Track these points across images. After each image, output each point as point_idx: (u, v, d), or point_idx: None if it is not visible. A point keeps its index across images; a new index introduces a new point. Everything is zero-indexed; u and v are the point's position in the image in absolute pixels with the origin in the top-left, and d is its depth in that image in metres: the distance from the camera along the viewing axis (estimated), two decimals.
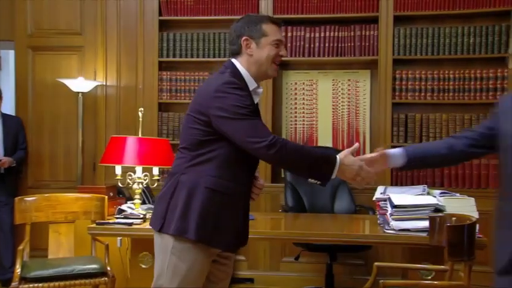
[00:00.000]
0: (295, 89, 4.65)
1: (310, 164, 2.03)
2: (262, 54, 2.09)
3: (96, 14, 4.72)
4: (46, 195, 3.49)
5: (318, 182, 2.06)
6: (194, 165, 2.07)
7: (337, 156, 2.06)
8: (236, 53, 2.13)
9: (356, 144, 2.18)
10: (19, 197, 3.44)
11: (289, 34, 4.48)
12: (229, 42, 2.17)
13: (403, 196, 2.86)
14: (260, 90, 2.16)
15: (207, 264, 2.09)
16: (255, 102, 2.13)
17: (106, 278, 3.18)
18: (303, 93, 4.64)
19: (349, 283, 4.29)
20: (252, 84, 2.11)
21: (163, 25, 4.67)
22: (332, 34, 4.45)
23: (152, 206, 3.29)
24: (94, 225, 3.10)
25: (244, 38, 2.10)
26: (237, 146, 2.02)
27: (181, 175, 2.07)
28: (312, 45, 4.47)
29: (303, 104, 4.63)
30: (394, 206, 2.73)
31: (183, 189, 2.05)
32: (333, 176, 2.06)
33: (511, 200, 1.91)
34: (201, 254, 2.05)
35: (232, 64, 2.12)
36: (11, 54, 5.84)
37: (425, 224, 2.61)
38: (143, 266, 3.08)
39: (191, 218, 2.02)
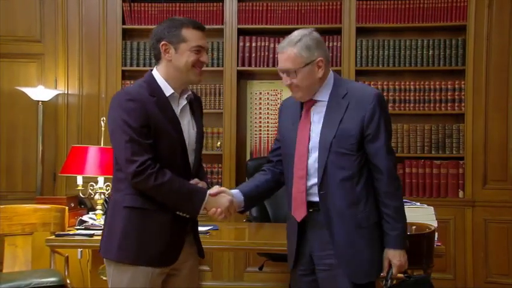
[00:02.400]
0: (260, 98, 4.67)
1: (180, 198, 1.99)
2: (180, 61, 2.02)
3: (56, 21, 4.61)
4: (2, 206, 3.39)
5: (187, 215, 2.03)
6: (116, 183, 2.05)
7: (207, 191, 2.06)
8: (157, 58, 2.07)
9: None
10: None
11: (254, 44, 4.50)
12: (149, 46, 2.14)
13: None
14: (185, 95, 2.09)
15: (150, 283, 2.00)
16: (177, 110, 2.06)
17: None
18: (268, 103, 4.66)
19: None
20: (168, 91, 2.04)
21: (127, 33, 4.63)
22: None
23: None
24: (53, 236, 3.03)
25: (162, 42, 2.02)
26: None
27: (112, 196, 2.08)
28: (276, 55, 4.49)
29: (268, 113, 4.65)
30: None
31: (109, 211, 2.07)
32: (201, 210, 2.03)
33: None
34: (139, 273, 1.99)
35: (150, 71, 2.10)
36: None
37: None
38: (104, 278, 2.98)
39: (114, 239, 1.99)
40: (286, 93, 4.60)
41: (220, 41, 4.53)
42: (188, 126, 2.10)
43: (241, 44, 4.51)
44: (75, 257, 3.62)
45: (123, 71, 4.58)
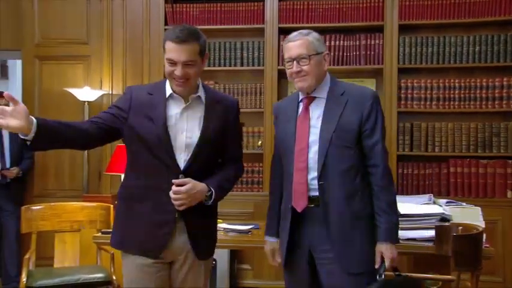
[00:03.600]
0: None
1: None
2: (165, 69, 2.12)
3: (102, 23, 4.76)
4: (52, 204, 3.50)
5: None
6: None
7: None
8: None
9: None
10: (25, 206, 3.45)
11: None
12: None
13: (408, 205, 2.85)
14: (190, 96, 2.15)
15: (140, 272, 2.13)
16: (174, 112, 2.13)
17: (111, 287, 3.18)
18: None
19: None
20: (168, 91, 2.15)
21: None
22: (337, 43, 4.46)
23: None
24: (99, 234, 3.10)
25: None
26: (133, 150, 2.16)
27: None
28: None
29: None
30: (399, 215, 2.71)
31: None
32: None
33: None
34: (128, 261, 2.16)
35: None
36: (18, 63, 5.89)
37: (431, 233, 2.60)
38: None
39: (113, 228, 2.25)
40: None
41: (261, 41, 4.54)
42: (186, 126, 2.13)
43: (282, 43, 4.50)
44: (120, 254, 3.70)
45: None
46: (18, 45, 4.90)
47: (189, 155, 2.12)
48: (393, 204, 2.13)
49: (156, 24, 4.67)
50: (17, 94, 5.59)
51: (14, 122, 1.86)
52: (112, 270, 3.26)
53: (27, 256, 3.22)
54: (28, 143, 1.90)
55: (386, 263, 2.08)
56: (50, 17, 4.82)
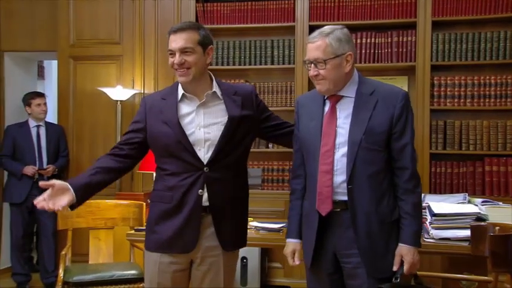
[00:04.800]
0: None
1: None
2: None
3: (134, 23, 4.82)
4: (87, 201, 3.55)
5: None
6: None
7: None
8: None
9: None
10: None
11: None
12: None
13: (442, 204, 2.81)
14: (204, 97, 2.19)
15: (159, 270, 2.19)
16: (189, 110, 2.18)
17: (144, 284, 3.22)
18: None
19: None
20: (180, 93, 2.20)
21: None
22: (369, 40, 4.41)
23: None
24: (133, 231, 3.15)
25: None
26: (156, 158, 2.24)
27: None
28: None
29: None
30: (433, 215, 2.68)
31: None
32: None
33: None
34: (149, 258, 2.24)
35: None
36: (54, 64, 6.03)
37: (467, 233, 2.56)
38: None
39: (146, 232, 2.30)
40: None
41: (291, 39, 4.53)
42: (203, 122, 2.17)
43: None
44: None
45: None
46: (53, 47, 5.01)
47: (211, 150, 2.14)
48: (419, 208, 2.08)
49: None
50: (53, 93, 5.74)
51: (61, 201, 2.06)
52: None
53: (63, 252, 3.30)
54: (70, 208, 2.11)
55: (406, 267, 2.02)
56: (84, 19, 4.91)
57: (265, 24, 4.55)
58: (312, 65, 2.06)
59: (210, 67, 4.85)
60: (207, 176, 2.13)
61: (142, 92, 4.81)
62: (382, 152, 2.06)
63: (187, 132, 2.14)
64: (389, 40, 4.38)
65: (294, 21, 4.50)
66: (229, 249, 2.21)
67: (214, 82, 2.23)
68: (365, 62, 4.40)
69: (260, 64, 4.60)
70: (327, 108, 2.13)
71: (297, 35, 4.49)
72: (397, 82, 4.47)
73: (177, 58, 2.12)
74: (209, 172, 2.13)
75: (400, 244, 2.05)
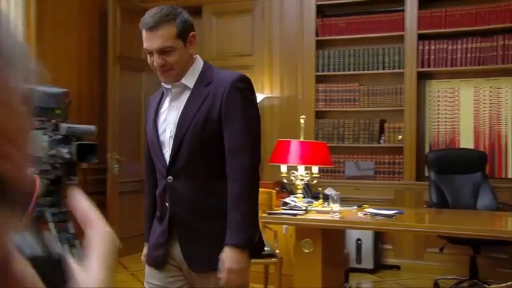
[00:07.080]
0: (438, 96, 5.04)
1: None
2: None
3: (263, 38, 5.57)
4: None
5: None
6: None
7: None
8: None
9: None
10: None
11: (432, 47, 4.89)
12: None
13: None
14: (176, 87, 1.88)
15: (160, 282, 1.89)
16: (166, 106, 1.91)
17: (275, 259, 3.63)
18: (445, 101, 5.00)
19: (493, 275, 4.40)
20: (165, 87, 1.93)
21: (319, 44, 5.36)
22: (474, 45, 4.74)
23: (312, 200, 3.90)
24: (265, 214, 3.50)
25: None
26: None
27: None
28: (454, 56, 4.82)
29: (445, 110, 4.99)
30: None
31: None
32: None
33: None
34: (147, 271, 1.98)
35: None
36: None
37: None
38: (305, 251, 3.40)
39: None
40: (464, 91, 4.91)
41: (401, 46, 5.01)
42: (174, 120, 1.87)
43: (420, 47, 4.93)
44: (281, 232, 4.25)
45: (316, 76, 5.35)
46: None
47: (171, 152, 1.84)
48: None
49: (308, 36, 5.35)
50: None
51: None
52: (275, 245, 3.84)
53: None
54: None
55: None
56: (224, 33, 5.68)
57: (376, 34, 5.07)
58: None
59: (324, 73, 5.40)
60: (169, 186, 1.84)
61: (270, 95, 5.58)
62: None
63: (160, 131, 1.88)
64: (494, 44, 4.67)
65: (403, 30, 4.96)
66: (199, 270, 1.84)
67: (190, 70, 1.88)
68: (470, 65, 4.74)
69: (372, 69, 5.14)
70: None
71: (406, 43, 4.94)
72: (501, 83, 4.77)
73: (156, 60, 1.79)
74: (172, 181, 1.83)
75: None
